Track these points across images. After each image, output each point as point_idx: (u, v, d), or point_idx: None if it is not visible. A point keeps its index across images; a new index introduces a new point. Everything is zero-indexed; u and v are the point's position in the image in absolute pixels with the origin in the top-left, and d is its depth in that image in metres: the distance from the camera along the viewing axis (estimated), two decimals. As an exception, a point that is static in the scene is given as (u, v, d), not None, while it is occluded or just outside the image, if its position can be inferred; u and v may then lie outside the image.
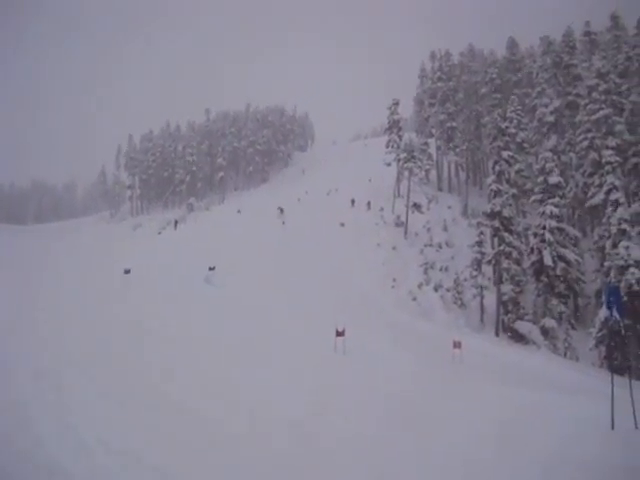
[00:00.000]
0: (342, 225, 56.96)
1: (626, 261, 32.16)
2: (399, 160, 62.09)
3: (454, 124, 71.98)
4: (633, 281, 31.04)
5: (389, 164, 64.76)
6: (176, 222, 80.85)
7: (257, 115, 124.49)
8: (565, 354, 34.52)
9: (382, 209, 61.51)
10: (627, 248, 32.43)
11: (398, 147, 63.30)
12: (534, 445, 9.61)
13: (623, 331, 13.41)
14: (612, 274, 33.10)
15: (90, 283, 36.63)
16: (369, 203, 63.57)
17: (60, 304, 27.17)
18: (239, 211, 79.02)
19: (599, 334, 31.51)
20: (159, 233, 77.51)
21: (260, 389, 13.21)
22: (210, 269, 40.93)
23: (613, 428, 10.56)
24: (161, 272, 40.94)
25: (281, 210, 68.26)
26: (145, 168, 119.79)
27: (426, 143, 71.41)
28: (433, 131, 77.80)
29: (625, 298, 28.53)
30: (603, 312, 29.33)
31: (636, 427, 10.65)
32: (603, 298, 29.97)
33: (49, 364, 14.68)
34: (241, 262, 45.02)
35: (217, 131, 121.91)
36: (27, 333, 19.50)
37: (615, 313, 11.94)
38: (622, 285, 30.81)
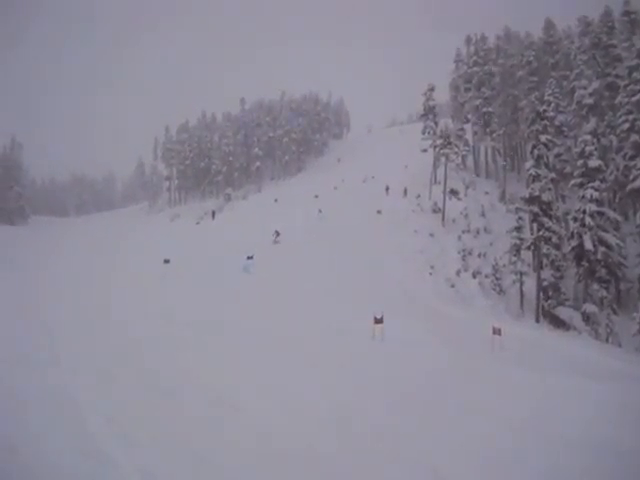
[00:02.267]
0: (379, 212, 56.81)
1: (670, 245, 31.62)
2: (435, 146, 61.77)
3: (490, 109, 71.10)
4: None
5: (425, 150, 64.50)
6: (214, 212, 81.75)
7: (292, 104, 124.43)
8: (607, 340, 34.11)
9: (419, 196, 61.22)
10: (671, 231, 31.89)
11: (434, 133, 63.01)
12: (574, 433, 9.55)
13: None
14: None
15: (131, 274, 37.19)
16: (405, 190, 63.25)
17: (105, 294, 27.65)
18: (276, 200, 79.39)
19: (643, 319, 31.07)
20: (197, 223, 78.36)
21: (294, 377, 13.28)
22: (248, 258, 41.17)
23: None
24: (200, 261, 41.41)
25: (316, 197, 68.71)
26: (182, 159, 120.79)
27: (462, 129, 70.94)
28: (469, 116, 76.95)
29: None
30: (646, 297, 28.91)
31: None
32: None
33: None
34: (278, 251, 45.31)
35: (252, 121, 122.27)
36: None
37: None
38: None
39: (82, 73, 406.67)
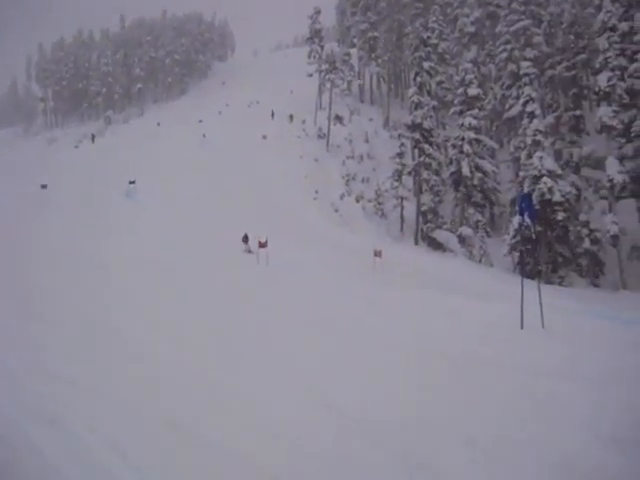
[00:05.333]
0: (264, 138, 56.38)
1: (540, 171, 33.02)
2: (321, 71, 61.40)
3: (376, 34, 70.90)
4: (545, 190, 32.02)
5: (311, 75, 63.99)
6: (93, 136, 78.46)
7: (174, 23, 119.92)
8: (480, 260, 35.84)
9: (304, 121, 61.11)
10: (541, 159, 33.30)
11: (320, 58, 62.40)
12: (446, 345, 10.08)
13: (534, 236, 14.02)
14: (526, 184, 34.06)
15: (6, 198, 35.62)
16: (291, 115, 62.92)
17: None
18: (159, 124, 77.28)
19: (513, 241, 32.69)
20: (76, 147, 75.01)
21: (172, 300, 13.31)
22: (130, 183, 40.14)
23: (522, 328, 11.20)
24: (79, 186, 40.05)
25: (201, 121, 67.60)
26: (58, 79, 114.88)
27: (348, 54, 70.55)
28: (355, 41, 76.65)
29: (537, 206, 29.56)
30: (516, 219, 30.36)
31: (543, 327, 11.32)
32: (516, 206, 30.99)
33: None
34: (161, 175, 44.36)
35: (133, 40, 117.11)
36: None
37: (527, 219, 12.46)
38: (535, 194, 31.75)
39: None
